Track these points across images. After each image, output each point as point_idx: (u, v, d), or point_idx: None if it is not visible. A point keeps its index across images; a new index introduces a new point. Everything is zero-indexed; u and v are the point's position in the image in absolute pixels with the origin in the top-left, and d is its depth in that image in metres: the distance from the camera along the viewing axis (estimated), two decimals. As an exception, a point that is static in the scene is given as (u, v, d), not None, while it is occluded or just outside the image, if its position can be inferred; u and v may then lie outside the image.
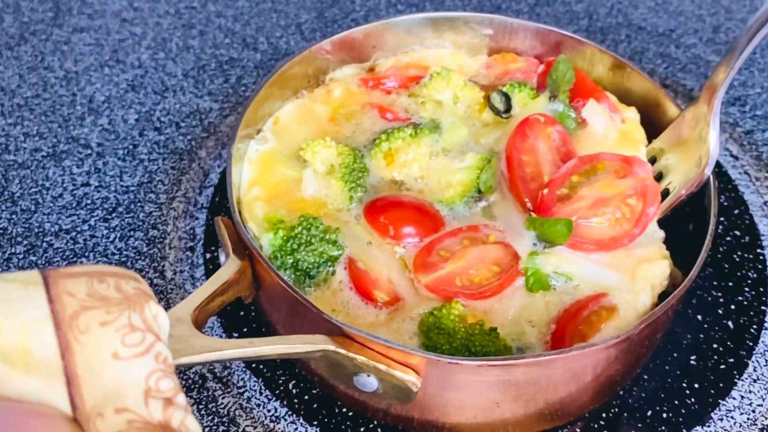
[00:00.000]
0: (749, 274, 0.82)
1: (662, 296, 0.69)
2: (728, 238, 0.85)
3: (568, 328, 0.66)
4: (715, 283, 0.81)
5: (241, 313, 0.78)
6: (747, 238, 0.86)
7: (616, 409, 0.72)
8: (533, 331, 0.67)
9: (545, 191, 0.71)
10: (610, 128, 0.79)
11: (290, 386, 0.72)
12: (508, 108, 0.80)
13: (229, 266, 0.65)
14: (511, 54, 0.88)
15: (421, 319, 0.66)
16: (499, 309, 0.68)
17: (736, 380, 0.74)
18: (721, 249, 0.84)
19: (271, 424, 0.70)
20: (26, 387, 0.41)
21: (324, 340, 0.59)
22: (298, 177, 0.75)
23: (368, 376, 0.60)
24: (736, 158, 0.94)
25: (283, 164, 0.76)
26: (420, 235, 0.71)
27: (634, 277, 0.69)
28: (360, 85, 0.84)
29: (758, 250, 0.84)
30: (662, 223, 0.73)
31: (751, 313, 0.79)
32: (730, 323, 0.78)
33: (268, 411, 0.71)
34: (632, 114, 0.82)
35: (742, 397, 0.73)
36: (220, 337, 0.76)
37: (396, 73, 0.85)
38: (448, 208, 0.74)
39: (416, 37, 0.88)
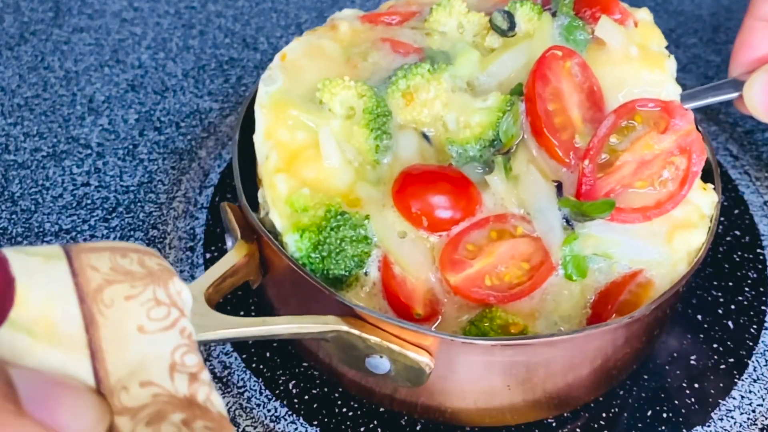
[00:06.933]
0: (749, 274, 0.82)
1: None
2: (728, 238, 0.85)
3: (605, 314, 0.63)
4: (715, 283, 0.81)
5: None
6: (747, 238, 0.86)
7: (616, 409, 0.72)
8: (571, 319, 0.65)
9: (586, 163, 0.64)
10: (627, 45, 0.71)
11: (290, 386, 0.72)
12: (512, 26, 0.74)
13: (239, 249, 0.64)
14: None
15: (462, 332, 0.63)
16: (535, 302, 0.64)
17: (736, 380, 0.74)
18: (721, 249, 0.84)
19: (271, 424, 0.70)
20: (49, 359, 0.41)
21: (337, 320, 0.59)
22: (314, 122, 0.68)
23: (381, 357, 0.59)
24: (736, 158, 0.94)
25: (297, 106, 0.69)
26: (457, 214, 0.65)
27: (671, 247, 0.65)
28: (363, 22, 0.79)
29: (758, 250, 0.84)
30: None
31: (751, 313, 0.79)
32: (730, 323, 0.78)
33: (268, 411, 0.71)
34: (644, 15, 0.75)
35: (742, 397, 0.73)
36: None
37: (397, 11, 0.80)
38: (460, 150, 0.68)
39: None
